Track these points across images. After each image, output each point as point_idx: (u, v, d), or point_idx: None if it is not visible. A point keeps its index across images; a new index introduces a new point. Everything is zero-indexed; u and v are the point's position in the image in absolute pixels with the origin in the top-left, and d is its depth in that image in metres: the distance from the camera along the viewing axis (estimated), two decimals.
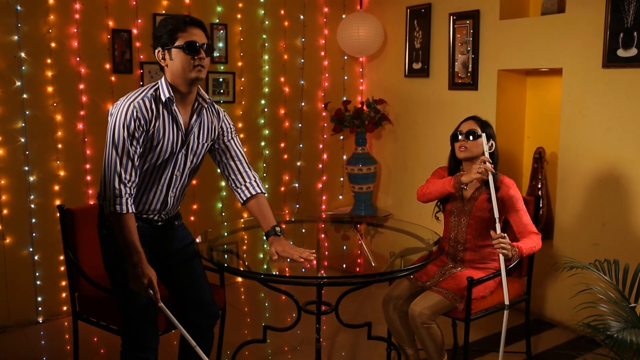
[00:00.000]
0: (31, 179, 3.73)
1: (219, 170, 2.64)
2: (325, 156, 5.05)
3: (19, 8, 3.58)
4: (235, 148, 2.59)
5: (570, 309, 2.97)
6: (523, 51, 3.87)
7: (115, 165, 2.22)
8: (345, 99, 5.00)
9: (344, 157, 5.13)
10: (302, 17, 4.76)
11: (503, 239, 2.63)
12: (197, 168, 2.53)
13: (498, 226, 2.67)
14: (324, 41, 4.92)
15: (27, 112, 3.67)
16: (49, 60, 3.72)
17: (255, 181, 2.61)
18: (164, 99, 2.30)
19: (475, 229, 2.92)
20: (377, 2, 4.96)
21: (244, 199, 2.59)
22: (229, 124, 2.58)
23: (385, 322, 3.03)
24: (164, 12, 4.08)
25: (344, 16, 4.93)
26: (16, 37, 3.59)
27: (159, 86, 2.34)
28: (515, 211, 2.84)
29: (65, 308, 3.89)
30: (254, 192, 2.59)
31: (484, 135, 2.82)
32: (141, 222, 2.43)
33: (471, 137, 2.87)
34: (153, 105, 2.29)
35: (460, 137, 2.91)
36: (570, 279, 2.99)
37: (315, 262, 2.56)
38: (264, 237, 2.60)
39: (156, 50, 2.33)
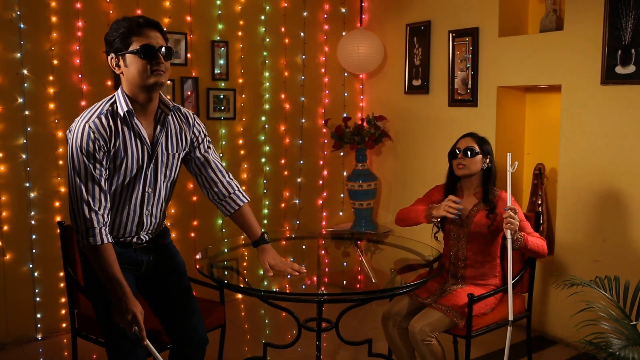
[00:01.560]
0: (32, 195, 3.73)
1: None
2: (325, 172, 5.06)
3: (22, 26, 3.61)
4: (214, 159, 2.41)
5: (571, 326, 2.96)
6: (522, 68, 3.90)
7: (81, 193, 2.02)
8: (345, 115, 5.02)
9: (344, 173, 5.14)
10: (302, 34, 4.80)
11: (514, 212, 2.62)
12: (174, 181, 2.33)
13: (510, 200, 2.65)
14: (324, 58, 4.96)
15: (29, 129, 3.69)
16: (51, 77, 3.74)
17: (238, 191, 2.47)
18: (122, 113, 2.09)
19: (475, 245, 2.92)
20: (377, 20, 5.00)
21: (232, 211, 2.46)
22: (202, 131, 2.37)
23: (385, 339, 3.02)
24: (165, 29, 4.10)
25: (344, 33, 4.97)
26: (19, 55, 3.62)
27: (115, 99, 2.12)
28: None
29: (64, 325, 3.87)
30: (241, 204, 2.46)
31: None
32: (119, 247, 2.22)
33: (469, 154, 2.89)
34: (110, 122, 2.08)
35: (458, 154, 2.92)
36: (572, 296, 2.98)
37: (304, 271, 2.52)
38: (252, 246, 2.53)
39: (109, 57, 2.10)
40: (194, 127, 2.33)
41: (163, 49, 2.09)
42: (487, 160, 2.93)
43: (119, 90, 2.13)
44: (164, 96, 2.21)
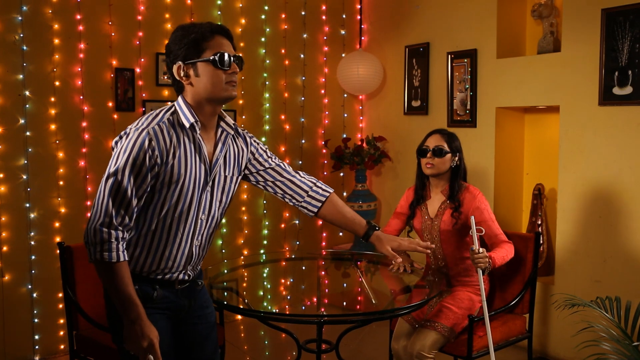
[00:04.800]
0: (32, 215, 3.73)
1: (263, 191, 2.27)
2: None
3: (24, 48, 3.65)
4: (281, 164, 2.24)
5: (573, 347, 2.94)
6: (520, 89, 3.93)
7: (107, 204, 1.77)
8: (345, 136, 5.04)
9: (344, 194, 5.14)
10: (302, 56, 4.84)
11: (480, 254, 2.58)
12: (226, 208, 2.09)
13: (476, 242, 2.60)
14: (324, 79, 4.99)
15: (30, 150, 3.70)
16: (52, 99, 3.77)
17: (318, 184, 2.25)
18: (187, 124, 1.87)
19: (449, 243, 2.91)
20: (376, 41, 5.05)
21: (318, 206, 2.23)
22: (259, 146, 2.20)
23: None
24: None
25: (343, 55, 5.01)
26: (21, 76, 3.65)
27: (176, 109, 1.91)
28: (483, 222, 2.82)
29: (62, 347, 3.85)
30: (326, 194, 2.23)
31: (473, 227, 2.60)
32: (162, 290, 1.96)
33: (439, 154, 2.87)
34: (172, 131, 1.86)
35: (427, 153, 2.91)
36: (572, 316, 2.97)
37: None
38: (363, 240, 2.34)
39: (175, 66, 1.90)
40: (251, 145, 2.16)
41: (236, 58, 1.92)
42: (456, 158, 2.92)
43: (180, 100, 1.93)
44: (224, 113, 2.04)
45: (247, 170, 2.17)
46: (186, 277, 2.02)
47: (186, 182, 1.88)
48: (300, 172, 2.27)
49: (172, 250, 1.94)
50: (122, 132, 1.88)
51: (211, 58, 1.86)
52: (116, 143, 1.87)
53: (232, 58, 1.90)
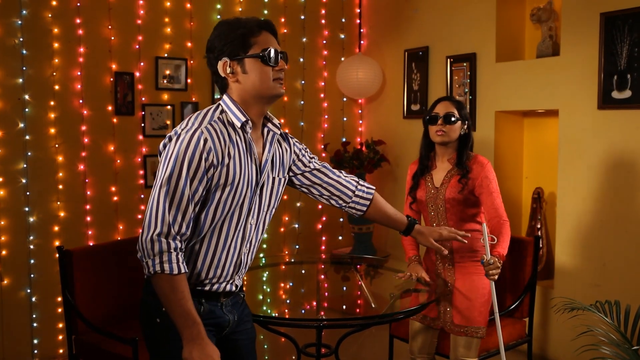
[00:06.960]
0: (31, 219, 3.73)
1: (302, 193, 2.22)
2: None
3: (24, 52, 3.65)
4: (325, 165, 2.18)
5: (572, 351, 2.94)
6: (519, 93, 3.93)
7: (163, 213, 1.66)
8: (344, 140, 5.05)
9: None
10: (302, 60, 4.85)
11: (492, 265, 2.50)
12: (273, 213, 2.02)
13: (488, 252, 2.51)
14: (323, 83, 5.00)
15: (29, 154, 3.70)
16: (52, 103, 3.77)
17: (361, 184, 2.20)
18: (238, 124, 1.79)
19: (454, 213, 2.80)
20: (375, 45, 5.06)
21: (367, 205, 2.19)
22: (301, 147, 2.12)
23: None
24: (166, 55, 4.16)
25: (343, 59, 5.02)
26: (21, 80, 3.65)
27: (224, 108, 1.82)
28: (488, 193, 2.73)
29: (61, 351, 3.84)
30: (372, 192, 2.19)
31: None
32: (207, 303, 1.83)
33: (449, 121, 2.77)
34: (224, 130, 1.76)
35: (438, 120, 2.79)
36: (572, 320, 2.96)
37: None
38: (403, 235, 2.33)
39: (221, 62, 1.82)
40: (294, 146, 2.08)
41: (284, 54, 1.85)
42: (465, 126, 2.83)
43: (227, 99, 1.83)
44: (270, 114, 1.97)
45: (292, 172, 2.09)
46: (233, 288, 1.90)
47: (240, 184, 1.79)
48: (342, 172, 2.21)
49: (221, 257, 1.83)
50: (171, 133, 1.76)
51: (260, 54, 1.78)
52: (164, 146, 1.76)
53: (279, 54, 1.82)
